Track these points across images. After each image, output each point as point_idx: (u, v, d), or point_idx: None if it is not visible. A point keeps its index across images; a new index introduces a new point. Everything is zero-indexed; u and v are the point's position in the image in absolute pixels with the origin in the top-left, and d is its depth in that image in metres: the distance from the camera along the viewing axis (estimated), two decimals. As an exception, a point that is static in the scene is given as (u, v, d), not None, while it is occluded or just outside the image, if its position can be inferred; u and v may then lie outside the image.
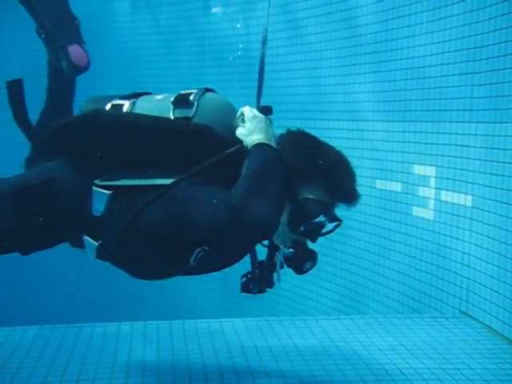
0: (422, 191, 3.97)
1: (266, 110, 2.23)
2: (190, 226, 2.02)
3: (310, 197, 2.18)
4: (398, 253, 4.16)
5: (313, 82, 4.83)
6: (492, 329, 3.36)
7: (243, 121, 2.18)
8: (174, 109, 2.23)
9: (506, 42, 3.24)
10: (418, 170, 4.00)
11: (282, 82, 5.02)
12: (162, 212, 2.08)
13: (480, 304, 3.48)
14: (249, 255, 2.33)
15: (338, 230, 2.26)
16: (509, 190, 3.25)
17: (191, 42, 5.95)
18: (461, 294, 3.65)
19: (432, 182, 3.88)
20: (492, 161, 3.37)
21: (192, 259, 2.14)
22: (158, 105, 2.27)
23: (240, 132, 2.16)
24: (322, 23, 4.67)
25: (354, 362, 2.92)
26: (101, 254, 2.23)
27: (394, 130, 4.17)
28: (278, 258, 2.28)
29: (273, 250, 2.31)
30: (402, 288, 4.11)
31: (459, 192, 3.66)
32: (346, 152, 2.31)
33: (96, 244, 2.22)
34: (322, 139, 2.28)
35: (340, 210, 2.25)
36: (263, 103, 2.30)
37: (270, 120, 2.22)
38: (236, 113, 2.24)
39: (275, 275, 2.37)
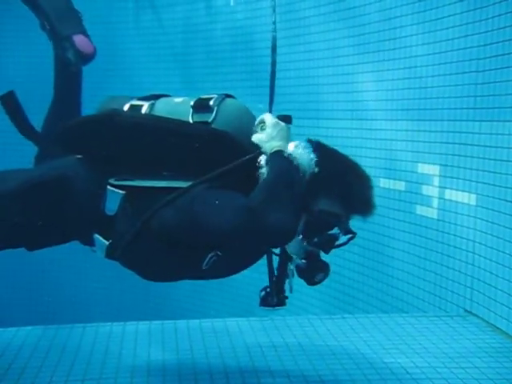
0: (426, 190, 3.96)
1: (285, 119, 2.24)
2: (206, 229, 2.03)
3: (326, 208, 2.17)
4: (401, 251, 4.16)
5: (316, 81, 4.83)
6: (496, 327, 3.36)
7: (262, 128, 2.18)
8: (193, 113, 2.24)
9: (510, 40, 3.24)
10: (421, 168, 4.00)
11: (284, 81, 5.01)
12: (178, 214, 2.08)
13: (484, 303, 3.48)
14: (267, 269, 2.32)
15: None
16: (513, 189, 3.25)
17: (195, 42, 5.95)
18: (465, 292, 3.65)
19: (436, 180, 3.88)
20: (496, 159, 3.37)
21: (204, 263, 2.15)
22: (177, 108, 2.27)
23: (259, 138, 2.16)
24: (326, 22, 4.67)
25: (358, 361, 2.92)
26: (110, 253, 2.23)
27: (397, 129, 4.16)
28: (291, 268, 2.27)
29: (285, 260, 2.29)
30: (407, 287, 4.10)
31: (463, 191, 3.65)
32: (349, 151, 2.31)
33: (106, 243, 2.23)
34: (340, 151, 2.29)
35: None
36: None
37: (289, 128, 2.22)
38: (255, 120, 2.24)
39: (287, 285, 2.36)
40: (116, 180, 2.23)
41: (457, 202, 3.71)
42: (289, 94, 4.97)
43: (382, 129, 4.29)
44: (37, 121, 2.57)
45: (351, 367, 2.85)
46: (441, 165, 3.82)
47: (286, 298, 2.35)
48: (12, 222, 2.23)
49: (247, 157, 2.14)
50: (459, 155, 3.67)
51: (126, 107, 2.31)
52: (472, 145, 3.56)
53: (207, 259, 2.15)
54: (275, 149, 2.12)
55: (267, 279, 2.37)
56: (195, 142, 2.15)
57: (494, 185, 3.39)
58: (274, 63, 2.33)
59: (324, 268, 2.24)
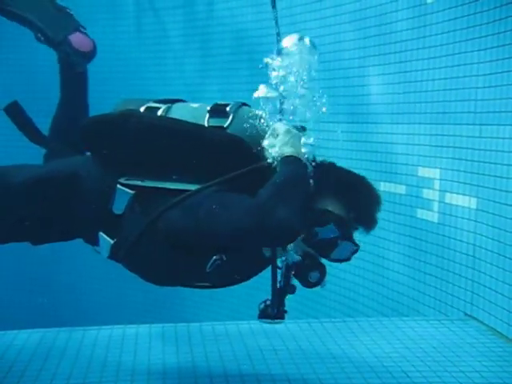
0: (427, 193, 3.97)
1: (299, 130, 2.27)
2: (215, 229, 2.05)
3: (329, 209, 2.21)
4: (402, 255, 4.16)
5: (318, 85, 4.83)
6: (497, 331, 3.35)
7: (275, 136, 2.20)
8: (209, 117, 2.27)
9: (510, 44, 3.24)
10: (422, 172, 4.00)
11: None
12: (185, 214, 2.11)
13: (485, 306, 3.48)
14: (270, 280, 2.31)
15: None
16: (513, 193, 3.25)
17: (196, 45, 5.96)
18: (465, 296, 3.64)
19: (436, 184, 3.88)
20: (496, 163, 3.37)
21: (208, 266, 2.16)
22: (194, 112, 2.30)
23: (271, 144, 2.19)
24: (330, 24, 4.68)
25: (358, 364, 2.92)
26: (114, 252, 2.24)
27: (398, 133, 4.17)
28: (284, 263, 2.27)
29: (288, 272, 2.29)
30: (407, 290, 4.10)
31: (463, 194, 3.65)
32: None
33: (111, 242, 2.24)
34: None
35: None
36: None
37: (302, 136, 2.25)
38: (269, 128, 2.26)
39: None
40: (126, 179, 2.25)
41: (457, 205, 3.71)
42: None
43: (383, 132, 4.29)
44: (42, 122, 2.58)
45: (351, 371, 2.85)
46: (441, 168, 3.83)
47: (285, 312, 2.34)
48: (18, 216, 2.25)
49: (259, 164, 2.17)
50: (460, 159, 3.67)
51: (142, 109, 2.34)
52: (473, 149, 3.56)
53: (211, 262, 2.15)
54: (286, 154, 2.15)
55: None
56: (208, 146, 2.19)
57: (494, 189, 3.39)
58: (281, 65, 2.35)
59: (319, 267, 2.25)
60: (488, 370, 2.90)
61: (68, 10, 2.71)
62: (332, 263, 2.31)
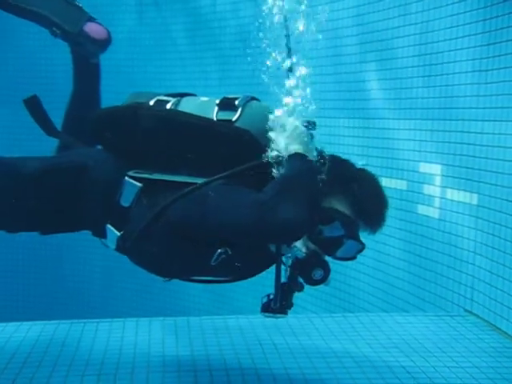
0: (428, 189, 3.96)
1: (309, 124, 2.26)
2: (220, 222, 2.06)
3: (335, 207, 2.20)
4: (402, 251, 4.15)
5: (319, 80, 4.83)
6: (496, 327, 3.35)
7: (283, 131, 2.20)
8: (218, 110, 2.26)
9: (513, 39, 3.24)
10: (423, 168, 3.99)
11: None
12: (190, 208, 2.12)
13: (485, 302, 3.48)
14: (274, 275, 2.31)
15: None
16: (515, 189, 3.25)
17: (197, 40, 5.95)
18: (465, 292, 3.64)
19: (438, 180, 3.87)
20: (498, 159, 3.36)
21: (213, 259, 2.16)
22: (203, 105, 2.30)
23: (279, 139, 2.18)
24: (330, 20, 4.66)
25: (358, 359, 2.92)
26: (121, 244, 2.25)
27: (399, 128, 4.16)
28: (289, 260, 2.26)
29: (295, 270, 2.27)
30: (407, 286, 4.10)
31: (465, 190, 3.65)
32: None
33: (118, 234, 2.25)
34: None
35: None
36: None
37: (311, 134, 2.25)
38: (278, 123, 2.25)
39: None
40: (135, 172, 2.27)
41: (458, 201, 3.70)
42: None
43: (385, 128, 4.28)
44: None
45: (351, 365, 2.85)
46: (443, 164, 3.82)
47: (291, 307, 2.33)
48: (27, 206, 2.26)
49: (265, 158, 2.17)
50: (461, 155, 3.66)
51: (151, 102, 2.34)
52: (474, 144, 3.55)
53: (216, 255, 2.16)
54: (293, 151, 2.15)
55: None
56: (216, 139, 2.19)
57: (495, 185, 3.39)
58: (291, 67, 2.34)
59: (323, 265, 2.23)
60: (487, 365, 2.90)
61: (77, 3, 2.72)
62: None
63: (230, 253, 2.16)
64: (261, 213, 1.99)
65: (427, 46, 3.87)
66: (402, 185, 4.16)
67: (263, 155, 2.18)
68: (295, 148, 2.16)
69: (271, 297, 2.31)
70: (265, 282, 2.34)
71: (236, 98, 2.29)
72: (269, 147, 2.20)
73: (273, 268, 2.28)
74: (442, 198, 3.85)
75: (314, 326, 3.36)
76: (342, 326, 3.36)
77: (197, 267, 2.28)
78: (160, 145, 2.26)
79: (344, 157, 2.35)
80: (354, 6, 4.46)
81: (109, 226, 2.28)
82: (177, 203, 2.15)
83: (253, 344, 3.07)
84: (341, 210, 2.20)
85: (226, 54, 5.63)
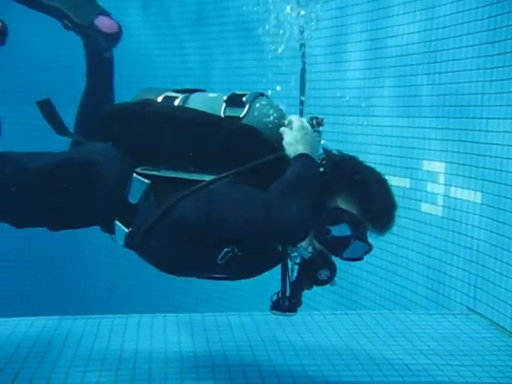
0: (431, 187, 3.95)
1: (317, 122, 2.25)
2: (225, 221, 2.06)
3: (343, 207, 2.19)
4: (405, 249, 4.15)
5: (318, 77, 4.82)
6: (500, 326, 3.35)
7: (290, 129, 2.19)
8: (225, 107, 2.26)
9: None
10: (427, 165, 3.98)
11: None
12: (197, 206, 2.11)
13: (488, 301, 3.47)
14: (281, 273, 2.30)
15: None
16: (519, 187, 3.24)
17: (200, 36, 5.94)
18: (469, 290, 3.64)
19: (441, 178, 3.86)
20: (502, 157, 3.35)
21: (219, 257, 2.17)
22: (211, 102, 2.30)
23: (285, 140, 2.18)
24: (333, 18, 4.66)
25: (360, 357, 2.92)
26: (129, 241, 2.26)
27: (403, 126, 4.15)
28: (295, 259, 2.25)
29: (303, 269, 2.26)
30: (410, 284, 4.10)
31: (468, 188, 3.64)
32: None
33: (126, 230, 2.25)
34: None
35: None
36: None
37: (318, 132, 2.24)
38: (285, 120, 2.25)
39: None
40: (143, 169, 2.27)
41: (462, 199, 3.69)
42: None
43: (388, 125, 4.27)
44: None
45: (353, 363, 2.85)
46: (446, 162, 3.81)
47: (300, 304, 2.32)
48: (36, 201, 2.26)
49: (270, 157, 2.16)
50: (465, 153, 3.65)
51: (159, 98, 2.34)
52: (478, 142, 3.54)
53: (223, 253, 2.16)
54: (298, 152, 2.14)
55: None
56: (223, 135, 2.18)
57: (499, 183, 3.38)
58: (303, 69, 2.34)
59: (329, 265, 2.23)
60: (490, 364, 2.89)
61: None
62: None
63: (236, 251, 2.16)
64: (266, 213, 2.00)
65: (431, 43, 3.86)
66: (405, 183, 4.15)
67: (271, 152, 2.17)
68: (300, 149, 2.15)
69: (280, 294, 2.30)
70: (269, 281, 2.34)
71: (244, 95, 2.28)
72: (275, 144, 2.19)
73: (279, 267, 2.28)
74: (445, 196, 3.84)
75: (316, 323, 3.35)
76: (344, 324, 3.35)
77: (203, 265, 2.27)
78: (167, 142, 2.25)
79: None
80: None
81: (117, 222, 2.28)
82: (184, 201, 2.14)
83: (255, 340, 3.07)
84: (348, 211, 2.19)
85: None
